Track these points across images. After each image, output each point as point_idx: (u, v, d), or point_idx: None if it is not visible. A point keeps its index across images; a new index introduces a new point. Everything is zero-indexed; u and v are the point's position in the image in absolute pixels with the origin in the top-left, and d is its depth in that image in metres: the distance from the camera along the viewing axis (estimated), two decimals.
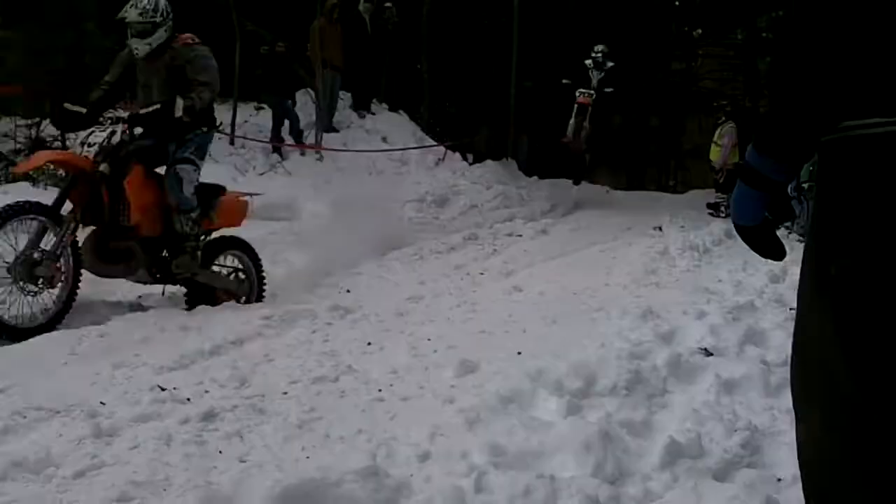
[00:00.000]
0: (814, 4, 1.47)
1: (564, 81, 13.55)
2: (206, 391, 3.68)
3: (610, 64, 12.61)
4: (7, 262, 4.90)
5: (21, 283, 4.92)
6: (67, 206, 5.19)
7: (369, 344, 4.60)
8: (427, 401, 3.65)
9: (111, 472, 2.78)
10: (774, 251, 1.74)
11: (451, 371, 4.01)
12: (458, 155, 13.88)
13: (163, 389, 3.63)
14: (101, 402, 3.47)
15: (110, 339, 4.74)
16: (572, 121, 13.08)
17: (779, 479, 2.80)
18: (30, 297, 4.97)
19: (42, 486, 2.67)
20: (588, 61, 12.52)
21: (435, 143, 13.57)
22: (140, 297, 5.92)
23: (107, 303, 5.65)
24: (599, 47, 12.66)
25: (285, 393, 3.71)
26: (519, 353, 4.32)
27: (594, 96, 13.31)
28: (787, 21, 1.53)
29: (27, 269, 4.92)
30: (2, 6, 10.20)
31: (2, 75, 8.97)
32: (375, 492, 2.54)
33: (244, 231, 6.36)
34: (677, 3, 20.99)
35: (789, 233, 7.72)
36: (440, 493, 2.60)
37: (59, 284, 5.10)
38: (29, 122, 9.10)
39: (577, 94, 13.15)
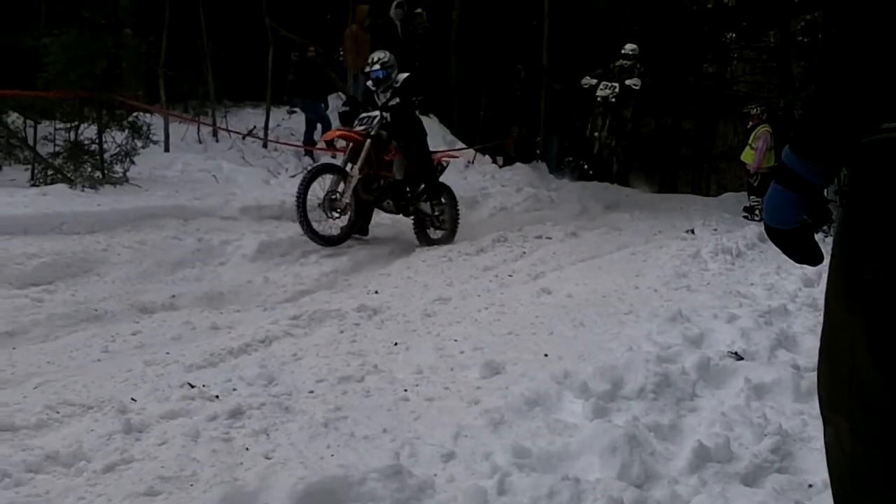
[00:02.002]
0: (858, 7, 1.44)
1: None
2: (234, 389, 3.70)
3: (403, 76, 8.89)
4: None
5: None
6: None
7: (396, 344, 4.60)
8: (452, 401, 3.65)
9: (139, 467, 2.81)
10: (811, 256, 1.70)
11: (476, 372, 4.01)
12: (487, 158, 13.89)
13: (192, 387, 3.67)
14: (132, 399, 3.52)
15: (142, 336, 4.81)
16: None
17: (809, 486, 2.77)
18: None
19: (72, 480, 2.72)
20: (368, 82, 9.03)
21: (465, 147, 13.56)
22: (173, 296, 5.98)
23: (140, 302, 5.71)
24: (378, 56, 8.91)
25: (312, 392, 3.73)
26: (545, 355, 4.30)
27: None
28: (830, 22, 1.51)
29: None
30: (43, 14, 10.37)
31: (42, 80, 9.10)
32: (398, 491, 2.54)
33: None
34: (709, 5, 20.83)
35: (826, 236, 7.63)
36: (463, 493, 2.60)
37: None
38: (68, 125, 9.21)
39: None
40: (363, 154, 8.13)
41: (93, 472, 2.76)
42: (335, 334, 4.81)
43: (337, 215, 8.01)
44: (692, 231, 10.09)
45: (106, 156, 9.06)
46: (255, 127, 12.57)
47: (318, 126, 12.73)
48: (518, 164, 13.68)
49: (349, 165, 8.21)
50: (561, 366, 3.92)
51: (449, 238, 9.07)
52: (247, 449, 3.04)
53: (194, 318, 5.23)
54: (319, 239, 7.78)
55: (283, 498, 2.46)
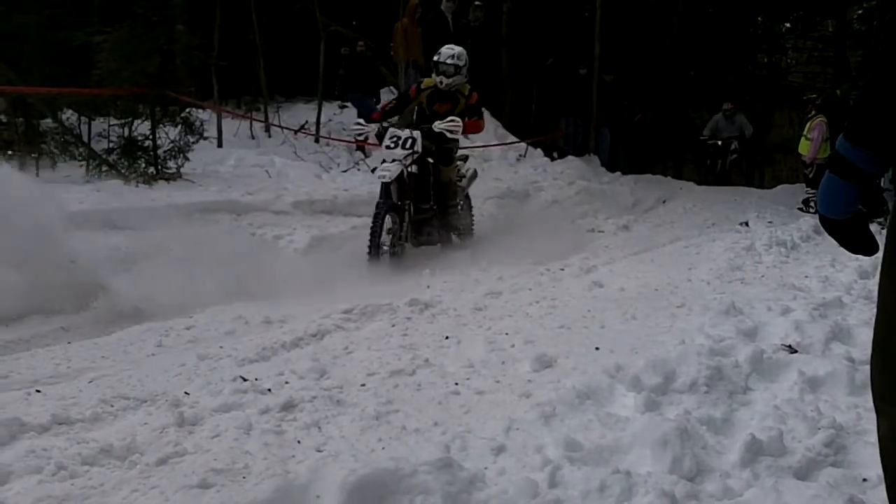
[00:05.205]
0: None
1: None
2: (287, 382, 3.74)
3: None
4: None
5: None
6: None
7: (447, 338, 4.61)
8: (503, 395, 3.66)
9: (192, 460, 2.85)
10: (866, 246, 1.69)
11: (527, 365, 4.01)
12: (539, 151, 13.82)
13: (244, 380, 3.70)
14: (185, 392, 3.57)
15: (196, 331, 4.87)
16: None
17: (864, 480, 2.73)
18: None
19: (126, 472, 2.76)
20: None
21: (516, 140, 13.51)
22: (227, 291, 6.04)
23: (192, 297, 5.78)
24: None
25: (363, 385, 3.75)
26: (597, 349, 4.28)
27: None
28: (886, 8, 1.48)
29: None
30: (96, 10, 10.55)
31: (96, 77, 9.25)
32: (449, 483, 2.55)
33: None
34: None
35: (882, 228, 7.47)
36: (514, 486, 2.60)
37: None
38: (122, 121, 9.37)
39: None
40: None
41: (146, 465, 2.80)
42: (387, 328, 4.84)
43: None
44: (746, 223, 9.96)
45: (159, 151, 9.23)
46: (306, 122, 12.67)
47: None
48: (570, 157, 13.60)
49: None
50: (613, 359, 3.90)
51: None
52: (298, 442, 3.07)
53: (247, 312, 5.28)
54: None
55: (335, 490, 2.48)
